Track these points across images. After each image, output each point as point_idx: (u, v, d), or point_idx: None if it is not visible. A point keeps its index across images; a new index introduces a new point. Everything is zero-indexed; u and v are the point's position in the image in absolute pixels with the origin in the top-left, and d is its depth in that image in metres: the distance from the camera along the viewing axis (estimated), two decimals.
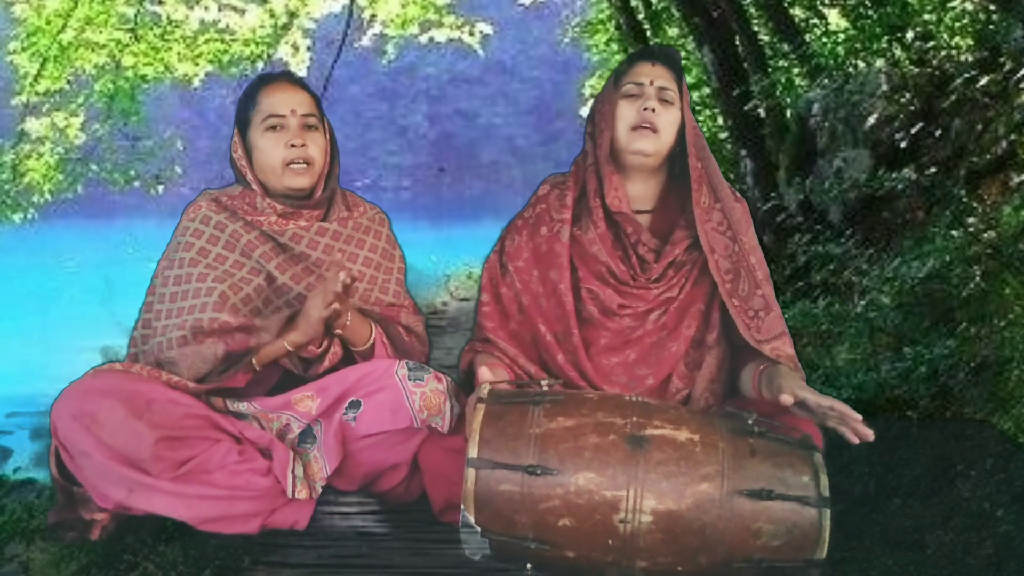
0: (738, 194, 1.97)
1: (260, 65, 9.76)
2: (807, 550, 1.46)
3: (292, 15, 10.13)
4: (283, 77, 2.08)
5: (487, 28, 11.25)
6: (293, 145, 1.96)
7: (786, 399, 1.58)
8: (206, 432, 1.81)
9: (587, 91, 11.34)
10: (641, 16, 8.90)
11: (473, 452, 1.48)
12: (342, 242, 2.04)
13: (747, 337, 1.82)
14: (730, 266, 1.87)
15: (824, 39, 5.66)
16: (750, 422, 1.53)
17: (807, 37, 5.89)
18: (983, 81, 3.97)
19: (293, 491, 1.83)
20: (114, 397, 1.76)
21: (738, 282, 1.87)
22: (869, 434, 1.53)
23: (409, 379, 1.87)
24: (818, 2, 6.07)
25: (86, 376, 1.85)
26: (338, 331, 1.91)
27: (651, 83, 1.87)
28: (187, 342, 1.87)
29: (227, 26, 9.79)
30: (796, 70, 5.98)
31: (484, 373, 1.70)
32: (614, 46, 9.98)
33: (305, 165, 1.97)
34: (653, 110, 1.85)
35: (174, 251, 1.98)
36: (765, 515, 1.45)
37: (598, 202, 1.90)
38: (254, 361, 1.87)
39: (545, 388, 1.59)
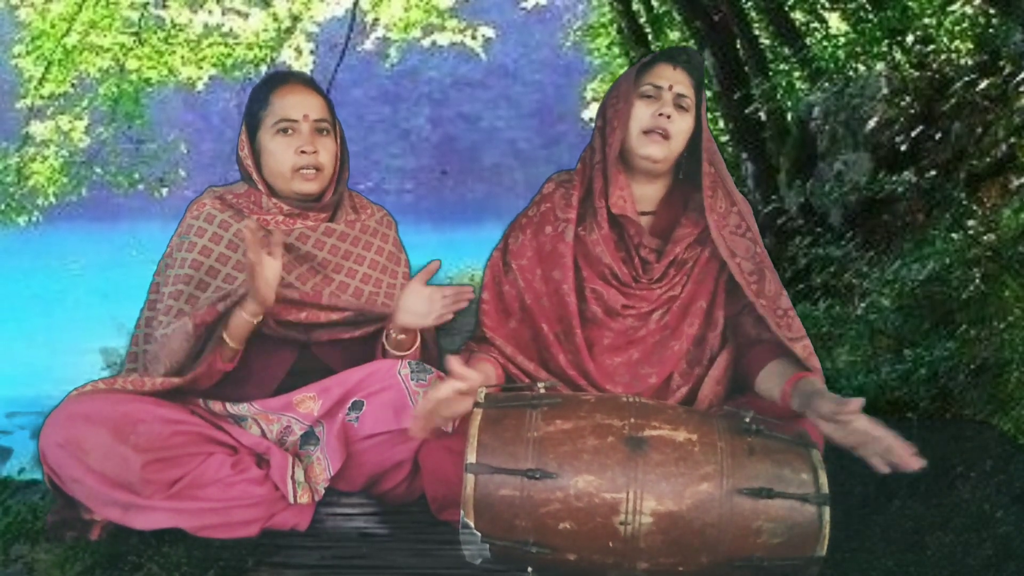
0: (743, 196, 1.97)
1: (263, 69, 9.81)
2: (808, 547, 1.46)
3: (295, 19, 10.18)
4: (297, 79, 2.02)
5: (489, 32, 11.31)
6: (304, 152, 1.92)
7: (851, 417, 1.52)
8: (197, 447, 1.79)
9: (589, 95, 11.38)
10: (643, 20, 8.93)
11: (471, 457, 1.47)
12: (349, 243, 2.02)
13: (780, 336, 1.79)
14: (753, 267, 1.85)
15: (825, 43, 5.68)
16: (747, 420, 1.53)
17: (808, 41, 5.91)
18: (983, 84, 3.99)
19: (295, 496, 1.83)
20: (99, 422, 1.73)
21: (763, 282, 1.85)
22: (912, 464, 1.49)
23: (412, 379, 1.86)
24: (819, 6, 6.08)
25: (69, 400, 1.80)
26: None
27: (670, 88, 1.85)
28: None
29: (230, 30, 9.84)
30: (797, 73, 6.00)
31: (454, 365, 1.57)
32: (616, 50, 10.02)
33: (315, 171, 1.94)
34: (668, 116, 1.84)
35: (177, 249, 1.94)
36: (765, 513, 1.45)
37: (603, 203, 1.89)
38: (225, 336, 1.81)
39: (542, 390, 1.58)
